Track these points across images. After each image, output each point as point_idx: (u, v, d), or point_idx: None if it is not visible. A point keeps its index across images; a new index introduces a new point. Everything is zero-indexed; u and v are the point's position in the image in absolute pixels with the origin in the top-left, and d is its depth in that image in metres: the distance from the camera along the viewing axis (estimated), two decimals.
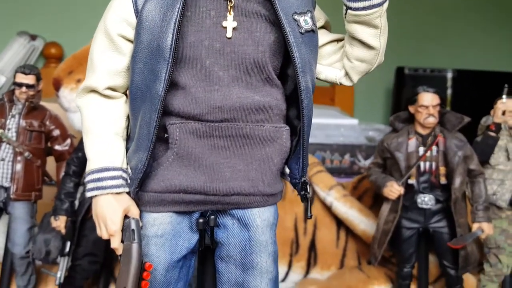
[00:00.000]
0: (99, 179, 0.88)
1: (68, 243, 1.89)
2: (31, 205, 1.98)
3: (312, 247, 2.34)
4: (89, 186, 0.89)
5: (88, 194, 0.90)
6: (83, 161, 1.97)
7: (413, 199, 1.94)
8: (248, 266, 0.93)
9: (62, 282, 1.86)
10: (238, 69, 0.88)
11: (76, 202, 1.99)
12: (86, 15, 3.78)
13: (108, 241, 2.01)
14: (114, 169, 0.89)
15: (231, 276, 0.95)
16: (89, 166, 0.90)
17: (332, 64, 0.98)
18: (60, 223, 1.89)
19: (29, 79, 1.96)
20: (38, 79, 2.00)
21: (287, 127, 0.94)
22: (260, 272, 0.94)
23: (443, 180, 1.92)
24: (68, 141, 2.07)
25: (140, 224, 0.90)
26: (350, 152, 3.00)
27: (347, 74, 0.98)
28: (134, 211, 0.90)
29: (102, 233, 0.89)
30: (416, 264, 2.04)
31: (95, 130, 0.90)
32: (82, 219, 1.93)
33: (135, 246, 0.86)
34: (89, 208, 1.94)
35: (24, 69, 1.96)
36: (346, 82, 0.98)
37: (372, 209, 2.33)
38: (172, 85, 0.88)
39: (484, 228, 1.91)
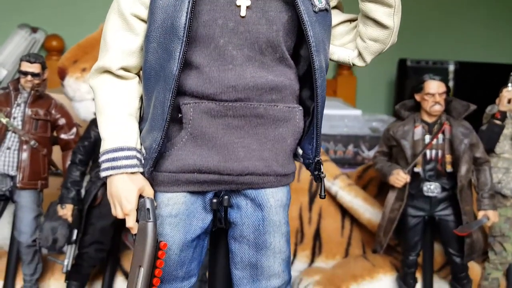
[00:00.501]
0: (113, 159, 0.88)
1: (75, 231, 1.89)
2: (37, 194, 1.98)
3: (317, 236, 2.35)
4: (103, 166, 0.90)
5: (103, 174, 0.90)
6: (89, 150, 1.97)
7: (419, 187, 1.94)
8: (262, 246, 0.94)
9: (69, 270, 1.86)
10: (251, 48, 0.88)
11: (83, 191, 1.99)
12: (87, 8, 3.77)
13: (114, 230, 2.03)
14: (129, 149, 0.89)
15: (244, 256, 0.95)
16: (104, 146, 0.90)
17: (345, 44, 0.98)
18: (66, 211, 1.90)
19: (34, 68, 1.95)
20: (43, 67, 1.99)
21: (300, 108, 0.94)
22: (273, 252, 0.94)
23: (449, 168, 1.92)
24: (74, 130, 2.07)
25: (155, 204, 0.91)
26: (354, 142, 3.00)
27: (360, 54, 0.98)
28: (149, 191, 0.91)
29: (117, 212, 0.90)
30: (421, 252, 2.05)
31: (109, 111, 0.90)
32: (88, 208, 1.93)
33: (150, 225, 0.86)
34: (95, 197, 1.95)
35: (29, 57, 1.96)
36: (359, 63, 0.98)
37: (377, 198, 2.33)
38: (186, 64, 0.88)
39: (489, 216, 1.91)
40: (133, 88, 0.93)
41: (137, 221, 0.90)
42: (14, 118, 1.95)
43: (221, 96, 0.88)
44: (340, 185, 2.32)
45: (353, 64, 1.00)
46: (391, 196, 1.98)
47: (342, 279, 2.15)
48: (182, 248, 0.93)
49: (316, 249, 2.35)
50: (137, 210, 0.90)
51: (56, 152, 2.14)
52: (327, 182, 2.36)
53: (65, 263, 1.86)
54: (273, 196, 0.94)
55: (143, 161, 0.91)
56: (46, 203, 2.09)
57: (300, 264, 2.32)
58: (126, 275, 2.10)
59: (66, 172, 1.99)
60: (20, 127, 1.95)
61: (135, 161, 0.89)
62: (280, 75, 0.91)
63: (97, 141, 1.97)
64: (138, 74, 0.97)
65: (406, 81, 4.19)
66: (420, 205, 1.96)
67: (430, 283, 2.12)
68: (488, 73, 4.05)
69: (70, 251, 1.87)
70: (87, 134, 1.98)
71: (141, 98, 0.95)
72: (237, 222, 0.95)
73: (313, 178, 0.97)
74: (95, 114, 2.07)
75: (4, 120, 1.92)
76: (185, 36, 0.85)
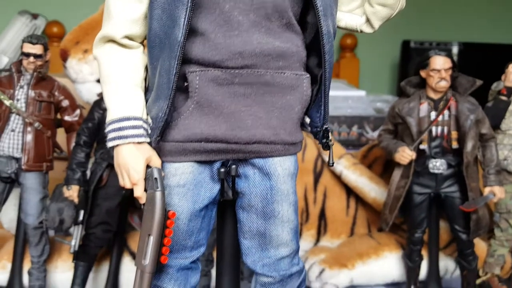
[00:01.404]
0: (120, 129, 0.88)
1: (81, 212, 1.90)
2: (42, 176, 1.98)
3: (322, 216, 2.35)
4: (110, 136, 0.89)
5: (110, 144, 0.89)
6: (93, 131, 1.97)
7: (425, 164, 1.93)
8: (270, 215, 0.94)
9: (76, 250, 1.87)
10: (258, 13, 0.87)
11: (88, 172, 1.99)
12: None
13: (121, 210, 2.03)
14: (135, 118, 0.89)
15: (252, 225, 0.95)
16: (109, 116, 0.90)
17: (353, 10, 0.97)
18: (72, 192, 1.90)
19: (37, 49, 1.94)
20: (46, 49, 1.98)
21: (308, 75, 0.93)
22: (281, 221, 0.94)
23: (454, 145, 1.91)
24: (78, 111, 2.07)
25: (162, 174, 0.90)
26: (358, 124, 2.99)
27: (368, 20, 0.96)
28: (156, 161, 0.90)
29: (125, 182, 0.89)
30: (427, 229, 2.05)
31: (114, 80, 0.89)
32: (94, 189, 1.93)
33: (158, 194, 0.86)
34: (101, 178, 1.95)
35: (31, 38, 1.94)
36: (367, 29, 0.97)
37: (382, 177, 2.33)
38: (191, 31, 0.87)
39: (495, 192, 1.91)
40: (138, 57, 0.92)
41: (145, 191, 0.89)
42: (18, 100, 1.95)
43: (227, 63, 0.87)
44: (345, 164, 2.31)
45: (361, 31, 0.98)
46: (397, 174, 1.98)
47: (347, 257, 2.16)
48: (190, 218, 0.93)
49: (322, 229, 2.35)
50: (144, 180, 0.89)
51: (61, 136, 2.13)
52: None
53: (72, 243, 1.87)
54: (281, 165, 0.93)
55: (149, 131, 0.90)
56: (51, 187, 2.10)
57: (305, 243, 2.33)
58: (133, 255, 2.11)
59: (70, 154, 1.99)
60: (23, 109, 1.94)
61: (141, 131, 0.89)
62: (287, 42, 0.90)
63: (101, 122, 1.96)
64: (142, 43, 0.96)
65: (409, 63, 4.16)
66: (425, 182, 1.95)
67: (435, 260, 2.13)
68: (493, 54, 4.01)
69: (77, 232, 1.88)
70: (91, 116, 1.97)
71: (146, 68, 0.94)
72: (245, 192, 0.94)
73: (321, 146, 0.96)
74: (98, 95, 2.08)
75: (7, 102, 1.92)
76: (189, 2, 0.84)
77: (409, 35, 4.29)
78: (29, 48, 1.94)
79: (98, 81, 2.18)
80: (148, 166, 0.90)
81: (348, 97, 3.02)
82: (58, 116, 2.08)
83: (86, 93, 2.17)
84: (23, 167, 1.93)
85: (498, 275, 2.12)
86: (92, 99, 2.11)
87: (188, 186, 0.92)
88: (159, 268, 0.93)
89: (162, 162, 0.92)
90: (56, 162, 2.20)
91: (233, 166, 0.93)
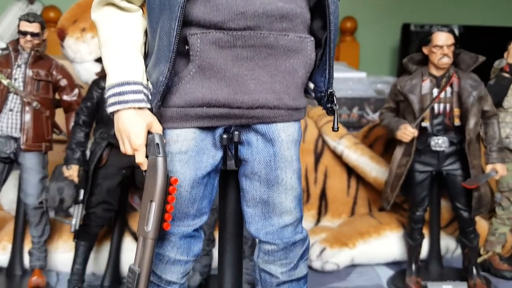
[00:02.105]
0: (120, 93, 0.86)
1: (82, 191, 1.88)
2: (42, 156, 1.97)
3: (323, 196, 2.35)
4: (110, 101, 0.87)
5: (110, 110, 0.88)
6: (92, 110, 1.95)
7: (427, 142, 1.92)
8: (273, 182, 0.92)
9: (77, 229, 1.86)
10: None
11: (88, 152, 1.98)
12: None
13: (121, 190, 2.02)
14: (135, 83, 0.87)
15: (255, 193, 0.94)
16: (109, 81, 0.88)
17: None
18: (72, 172, 1.89)
19: (34, 27, 1.91)
20: (43, 27, 1.95)
21: (312, 38, 0.91)
22: (285, 188, 0.93)
23: (457, 122, 1.90)
24: (76, 91, 2.04)
25: (164, 141, 0.89)
26: (359, 105, 2.97)
27: None
28: (157, 127, 0.89)
29: (126, 148, 0.88)
30: (428, 208, 2.05)
31: (113, 43, 0.87)
32: (94, 168, 1.92)
33: (160, 160, 0.85)
34: (100, 158, 1.93)
35: (28, 16, 1.91)
36: None
37: (383, 157, 2.32)
38: None
39: (497, 169, 1.90)
40: (137, 21, 0.90)
41: (147, 157, 0.88)
42: (15, 79, 1.92)
43: (229, 24, 0.85)
44: (346, 144, 2.30)
45: None
46: (398, 152, 1.97)
47: (348, 236, 2.16)
48: (192, 185, 0.91)
49: (322, 209, 2.35)
50: (146, 146, 0.88)
51: (60, 117, 2.11)
52: (332, 142, 2.35)
53: (73, 222, 1.86)
54: (284, 131, 0.92)
55: (150, 97, 0.89)
56: (51, 170, 2.08)
57: (306, 223, 2.31)
58: (134, 235, 2.11)
59: (70, 134, 1.98)
60: (21, 88, 1.92)
61: (142, 96, 0.87)
62: (290, 2, 0.88)
63: (100, 101, 1.94)
64: (141, 7, 0.94)
65: (410, 46, 4.13)
66: (427, 160, 1.94)
67: (437, 239, 2.13)
68: (494, 37, 3.97)
69: (77, 211, 1.87)
70: (90, 95, 1.95)
71: (146, 33, 0.92)
72: (248, 159, 0.93)
73: (326, 112, 0.94)
74: (97, 74, 2.06)
75: (5, 82, 1.90)
76: None
77: (409, 18, 4.26)
78: (25, 26, 1.92)
79: (97, 60, 2.20)
80: (149, 133, 0.88)
81: (348, 79, 2.99)
82: (57, 96, 2.06)
83: (85, 73, 2.15)
84: (22, 147, 1.92)
85: (499, 254, 2.12)
86: (91, 79, 2.08)
87: (190, 153, 0.90)
88: (161, 236, 0.92)
89: (163, 128, 0.91)
90: (55, 145, 2.18)
91: (236, 132, 0.91)
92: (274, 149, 0.91)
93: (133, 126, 0.86)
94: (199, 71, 0.87)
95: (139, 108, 0.87)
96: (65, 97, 2.04)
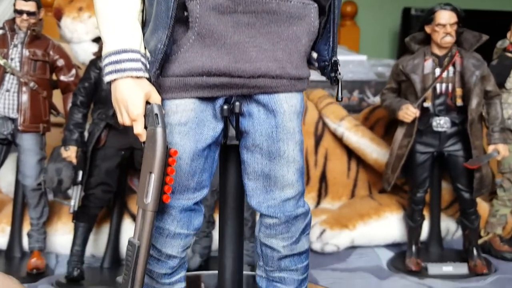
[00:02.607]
0: (117, 62, 0.83)
1: (80, 173, 1.87)
2: (39, 137, 1.95)
3: (323, 178, 2.34)
4: (107, 69, 0.85)
5: (107, 79, 0.85)
6: (89, 91, 1.92)
7: (428, 123, 1.90)
8: (275, 154, 0.91)
9: (76, 210, 1.85)
10: None
11: (86, 133, 1.95)
12: None
13: (120, 171, 2.00)
14: (133, 51, 0.84)
15: (257, 166, 0.92)
16: (106, 49, 0.85)
17: None
18: (70, 153, 1.87)
19: (30, 6, 1.88)
20: (39, 6, 1.92)
21: (315, 5, 0.89)
22: (287, 161, 0.91)
23: (459, 102, 1.88)
24: (73, 71, 2.02)
25: (163, 111, 0.87)
26: (359, 88, 2.94)
27: None
28: (156, 97, 0.86)
29: (124, 119, 0.86)
30: (429, 190, 2.04)
31: (110, 10, 0.85)
32: (92, 149, 1.90)
33: (159, 130, 0.83)
34: (99, 139, 1.91)
35: None
36: None
37: (384, 139, 2.30)
38: None
39: (499, 150, 1.89)
40: None
41: (145, 128, 0.86)
42: (12, 59, 1.90)
43: None
44: (346, 126, 2.29)
45: None
46: (400, 133, 1.95)
47: (348, 218, 2.15)
48: (193, 158, 0.90)
49: (322, 191, 2.34)
50: (144, 116, 0.86)
51: (57, 99, 2.09)
52: (333, 125, 2.33)
53: (72, 203, 1.85)
54: (287, 102, 0.90)
55: (148, 66, 0.86)
56: (49, 153, 2.06)
57: None
58: (133, 217, 2.09)
59: (67, 115, 1.95)
60: (18, 68, 1.89)
61: (139, 65, 0.85)
62: None
63: (98, 82, 1.92)
64: None
65: (410, 30, 4.07)
66: (429, 141, 1.93)
67: (437, 221, 2.12)
68: (496, 21, 3.92)
69: (76, 192, 1.86)
70: (87, 75, 1.93)
71: (143, 0, 0.89)
72: (249, 131, 0.91)
73: (330, 82, 0.92)
74: (94, 54, 2.03)
75: (1, 62, 1.87)
76: None
77: (410, 3, 4.20)
78: (21, 5, 1.88)
79: (94, 40, 2.16)
80: (147, 103, 0.86)
81: (348, 62, 2.96)
82: (54, 77, 2.04)
83: (82, 53, 2.12)
84: (19, 128, 1.90)
85: (500, 235, 2.12)
86: (88, 60, 2.05)
87: (190, 124, 0.88)
88: (161, 209, 0.91)
89: (162, 99, 0.89)
90: (53, 128, 2.16)
91: (237, 103, 0.89)
92: (276, 121, 0.89)
93: (130, 96, 0.83)
94: (199, 38, 0.84)
95: (137, 77, 0.84)
96: (62, 78, 2.01)
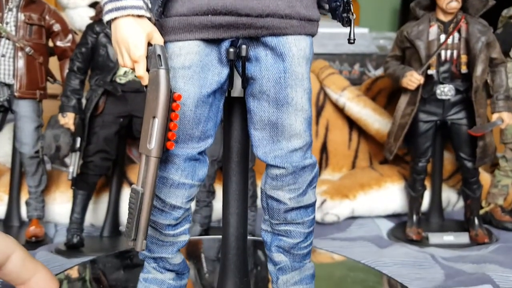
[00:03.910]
0: None
1: (78, 139, 1.84)
2: (36, 104, 1.91)
3: (324, 149, 2.32)
4: (106, 8, 0.81)
5: (106, 18, 0.81)
6: (87, 56, 1.88)
7: (432, 91, 1.88)
8: (283, 102, 0.87)
9: (74, 178, 1.83)
10: None
11: (83, 100, 1.92)
12: None
13: (119, 139, 1.97)
14: None
15: (263, 114, 0.89)
16: None
17: None
18: (68, 119, 1.83)
19: None
20: None
21: None
22: (295, 109, 0.88)
23: (464, 69, 1.85)
24: (70, 36, 1.97)
25: (166, 53, 0.83)
26: (360, 62, 2.90)
27: None
28: (158, 38, 0.83)
29: (125, 61, 0.82)
30: (431, 160, 2.02)
31: None
32: (90, 117, 1.86)
33: (162, 72, 0.79)
34: (97, 105, 1.88)
35: None
36: None
37: (386, 110, 2.28)
38: None
39: (504, 118, 1.86)
40: None
41: (148, 70, 0.83)
42: (7, 23, 1.84)
43: None
44: (348, 96, 2.26)
45: None
46: (403, 101, 1.92)
47: (349, 188, 2.14)
48: (197, 104, 0.86)
49: (323, 162, 2.32)
50: (146, 58, 0.82)
51: (54, 67, 2.04)
52: (334, 95, 2.30)
53: (70, 170, 1.82)
54: (296, 45, 0.86)
55: (149, 5, 0.82)
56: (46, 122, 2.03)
57: None
58: None
59: (64, 81, 1.91)
60: (13, 33, 1.84)
61: (141, 2, 0.81)
62: None
63: (95, 47, 1.87)
64: None
65: (411, 3, 4.03)
66: (432, 109, 1.90)
67: (438, 191, 2.11)
68: None
69: (74, 158, 1.83)
70: (84, 40, 1.88)
71: None
72: (256, 76, 0.88)
73: (341, 23, 0.89)
74: (91, 18, 1.98)
75: None
76: None
77: None
78: None
79: (90, 5, 2.10)
80: (149, 44, 0.83)
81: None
82: (50, 43, 1.99)
83: (78, 19, 2.07)
84: (15, 94, 1.86)
85: (501, 206, 2.11)
86: (85, 26, 2.00)
87: (194, 68, 0.85)
88: (165, 158, 0.88)
89: (165, 42, 0.85)
90: (50, 101, 2.12)
91: (243, 46, 0.85)
92: (285, 65, 0.86)
93: (132, 35, 0.80)
94: None
95: (138, 16, 0.81)
96: (58, 43, 1.96)
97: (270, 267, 0.98)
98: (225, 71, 0.88)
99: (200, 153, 0.90)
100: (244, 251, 1.04)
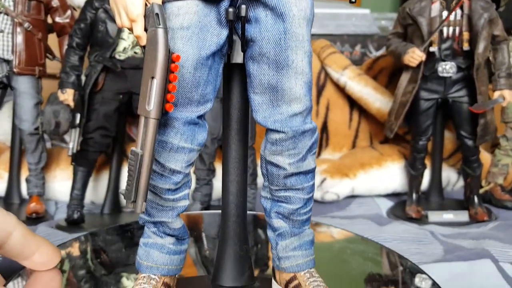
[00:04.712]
0: None
1: (78, 115, 1.83)
2: (35, 80, 1.90)
3: (324, 129, 2.31)
4: None
5: None
6: (86, 32, 1.87)
7: (434, 68, 1.86)
8: (283, 64, 0.86)
9: (74, 154, 1.82)
10: None
11: (83, 77, 1.91)
12: None
13: (119, 116, 1.96)
14: None
15: (263, 78, 0.88)
16: None
17: None
18: (67, 96, 1.83)
19: None
20: None
21: None
22: (295, 72, 0.87)
23: (466, 46, 1.84)
24: (69, 12, 1.95)
25: (164, 12, 0.82)
26: (361, 43, 2.88)
27: None
28: None
29: (123, 20, 0.81)
30: (431, 138, 2.02)
31: None
32: (90, 93, 1.86)
33: (160, 31, 0.78)
34: (96, 82, 1.87)
35: None
36: None
37: (387, 89, 2.27)
38: None
39: (505, 96, 1.85)
40: None
41: (146, 30, 0.81)
42: None
43: None
44: (349, 75, 2.24)
45: None
46: (404, 78, 1.91)
47: (349, 167, 2.14)
48: (196, 66, 0.86)
49: (323, 142, 2.32)
50: (144, 17, 0.81)
51: (53, 45, 2.03)
52: (336, 74, 2.29)
53: (70, 146, 1.82)
54: (296, 5, 0.85)
55: None
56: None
57: None
58: None
59: (63, 57, 1.90)
60: (12, 8, 1.82)
61: None
62: None
63: (94, 23, 1.86)
64: None
65: None
66: (433, 87, 1.89)
67: (438, 170, 2.11)
68: None
69: (74, 134, 1.82)
70: (83, 16, 1.86)
71: None
72: (256, 38, 0.87)
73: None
74: None
75: None
76: None
77: None
78: None
79: None
80: (147, 4, 0.81)
81: (351, 15, 2.89)
82: (49, 20, 1.97)
83: None
84: (14, 70, 1.85)
85: (501, 185, 2.11)
86: (84, 2, 1.98)
87: (193, 29, 0.84)
88: (164, 122, 0.87)
89: (163, 2, 0.84)
90: (49, 80, 2.11)
91: (243, 6, 0.84)
92: (285, 26, 0.85)
93: None
94: None
95: None
96: (57, 19, 1.95)
97: (270, 233, 0.99)
98: (224, 33, 0.87)
99: (200, 117, 0.90)
100: (243, 219, 1.04)
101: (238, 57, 0.93)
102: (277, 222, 0.96)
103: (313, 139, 0.93)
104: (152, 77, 0.79)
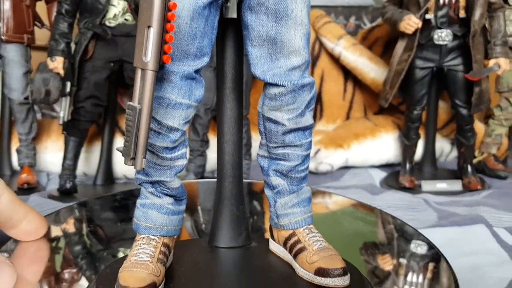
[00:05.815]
0: None
1: (68, 84, 1.79)
2: (24, 48, 1.86)
3: (318, 100, 2.30)
4: None
5: None
6: None
7: (430, 36, 1.85)
8: (282, 14, 0.84)
9: (65, 122, 1.79)
10: None
11: (72, 45, 1.86)
12: None
13: (110, 85, 1.92)
14: None
15: (262, 29, 0.85)
16: None
17: None
18: (57, 63, 1.78)
19: None
20: None
21: None
22: (294, 22, 0.85)
23: (462, 14, 1.82)
24: None
25: None
26: (356, 14, 2.85)
27: None
28: None
29: None
30: (426, 108, 2.01)
31: None
32: (80, 61, 1.81)
33: None
34: (86, 49, 1.82)
35: None
36: None
37: (382, 58, 2.25)
38: None
39: (501, 64, 1.85)
40: None
41: None
42: None
43: None
44: (344, 45, 2.22)
45: None
46: (400, 46, 1.90)
47: (343, 138, 2.13)
48: (192, 17, 0.83)
49: (317, 113, 2.30)
50: None
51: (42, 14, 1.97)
52: (330, 44, 2.26)
53: (61, 114, 1.78)
54: None
55: None
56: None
57: None
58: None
59: (52, 25, 1.85)
60: None
61: None
62: None
63: None
64: None
65: None
66: (429, 55, 1.88)
67: (432, 140, 2.11)
68: None
69: (65, 102, 1.79)
70: None
71: None
72: None
73: None
74: None
75: None
76: None
77: None
78: None
79: None
80: None
81: None
82: None
83: None
84: (2, 37, 1.80)
85: (495, 155, 2.13)
86: None
87: None
88: (161, 77, 0.85)
89: None
90: (38, 52, 2.06)
91: None
92: None
93: None
94: None
95: None
96: None
97: (267, 191, 0.97)
98: None
99: (197, 71, 0.87)
100: (240, 179, 1.03)
101: (232, 12, 0.90)
102: (275, 180, 0.95)
103: (311, 94, 0.91)
104: (149, 26, 0.76)
